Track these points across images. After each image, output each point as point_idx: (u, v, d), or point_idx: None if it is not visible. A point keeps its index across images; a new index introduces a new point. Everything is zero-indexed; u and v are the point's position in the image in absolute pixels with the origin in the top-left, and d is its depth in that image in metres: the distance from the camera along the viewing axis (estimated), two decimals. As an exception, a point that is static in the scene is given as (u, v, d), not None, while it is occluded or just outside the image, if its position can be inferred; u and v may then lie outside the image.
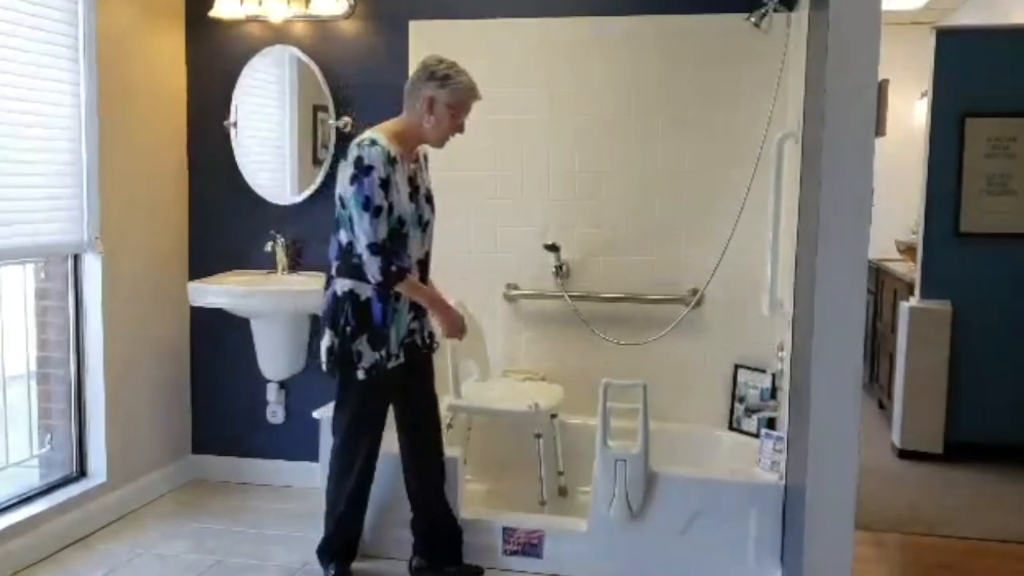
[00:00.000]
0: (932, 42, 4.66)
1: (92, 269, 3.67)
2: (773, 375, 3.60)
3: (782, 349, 3.39)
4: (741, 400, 3.76)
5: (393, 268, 2.82)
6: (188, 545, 3.53)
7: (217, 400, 4.27)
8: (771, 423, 3.47)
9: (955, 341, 4.68)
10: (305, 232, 4.12)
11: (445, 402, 3.59)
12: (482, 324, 3.78)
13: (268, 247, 4.07)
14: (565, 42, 3.86)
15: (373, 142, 2.84)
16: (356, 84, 4.03)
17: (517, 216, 3.94)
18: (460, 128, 3.00)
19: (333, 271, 2.97)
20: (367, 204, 2.78)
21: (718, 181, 3.77)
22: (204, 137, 4.19)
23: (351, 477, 3.09)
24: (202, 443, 4.30)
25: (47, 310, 3.68)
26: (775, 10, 3.49)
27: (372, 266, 2.81)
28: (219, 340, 4.22)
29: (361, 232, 2.81)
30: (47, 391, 3.71)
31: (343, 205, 2.89)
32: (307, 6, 3.95)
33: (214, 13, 4.00)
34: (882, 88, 6.54)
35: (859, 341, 2.48)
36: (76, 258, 3.67)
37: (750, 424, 3.69)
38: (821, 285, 2.47)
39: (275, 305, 3.88)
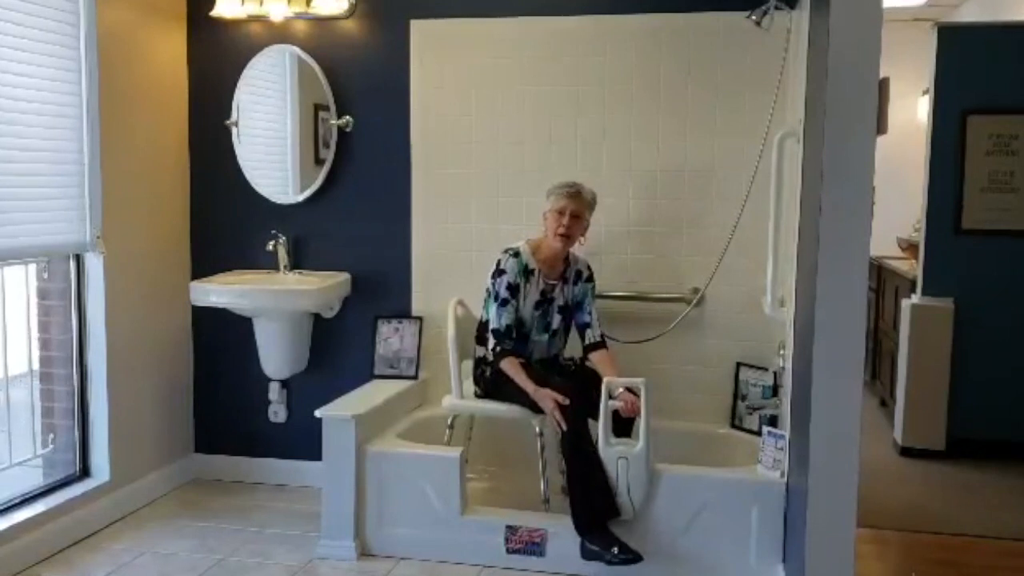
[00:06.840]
0: (934, 39, 4.65)
1: (94, 269, 3.68)
2: (775, 373, 3.61)
3: (783, 347, 3.39)
4: (743, 398, 3.76)
5: (498, 349, 3.44)
6: (190, 544, 3.54)
7: (219, 399, 4.28)
8: (773, 421, 3.48)
9: (957, 338, 4.67)
10: (307, 231, 4.13)
11: (447, 401, 3.60)
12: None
13: (270, 246, 4.07)
14: (566, 41, 3.86)
15: (517, 253, 3.50)
16: (357, 83, 4.04)
17: (518, 215, 3.94)
18: (563, 223, 3.45)
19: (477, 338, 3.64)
20: (496, 297, 3.47)
21: (719, 179, 3.77)
22: (205, 137, 4.20)
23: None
24: (204, 442, 4.30)
25: (49, 310, 3.69)
26: (776, 8, 3.49)
27: (490, 343, 3.48)
28: (221, 339, 4.22)
29: (490, 316, 3.50)
30: (49, 391, 3.71)
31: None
32: (308, 5, 3.95)
33: (215, 13, 4.00)
34: (883, 86, 6.54)
35: (860, 339, 2.48)
36: (78, 258, 3.67)
37: (752, 422, 3.69)
38: (822, 283, 2.47)
39: (277, 304, 3.89)
